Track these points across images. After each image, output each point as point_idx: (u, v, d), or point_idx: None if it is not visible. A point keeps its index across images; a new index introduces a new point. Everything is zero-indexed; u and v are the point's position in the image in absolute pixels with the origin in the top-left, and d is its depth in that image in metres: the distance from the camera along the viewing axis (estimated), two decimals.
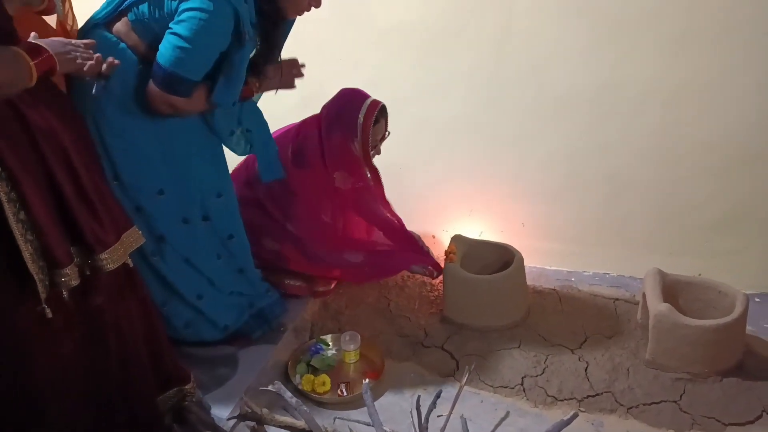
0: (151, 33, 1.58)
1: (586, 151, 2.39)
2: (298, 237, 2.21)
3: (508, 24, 2.29)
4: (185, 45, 1.50)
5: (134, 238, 1.48)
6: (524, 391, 1.94)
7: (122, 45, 1.61)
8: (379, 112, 2.13)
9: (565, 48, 2.26)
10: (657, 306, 1.94)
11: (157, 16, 1.55)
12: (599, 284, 2.48)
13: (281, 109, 2.16)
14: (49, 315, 1.28)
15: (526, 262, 2.27)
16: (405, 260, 2.34)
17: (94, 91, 1.47)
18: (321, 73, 2.56)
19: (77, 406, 1.46)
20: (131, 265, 1.47)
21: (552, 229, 2.53)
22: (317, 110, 2.29)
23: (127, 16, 1.60)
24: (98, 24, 1.63)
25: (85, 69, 1.32)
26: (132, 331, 1.52)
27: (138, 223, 1.59)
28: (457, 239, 2.37)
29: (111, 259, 1.37)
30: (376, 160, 2.21)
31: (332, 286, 2.41)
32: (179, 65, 1.52)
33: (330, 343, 2.14)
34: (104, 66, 1.39)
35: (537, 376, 1.99)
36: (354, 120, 2.11)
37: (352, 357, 2.07)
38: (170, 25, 1.52)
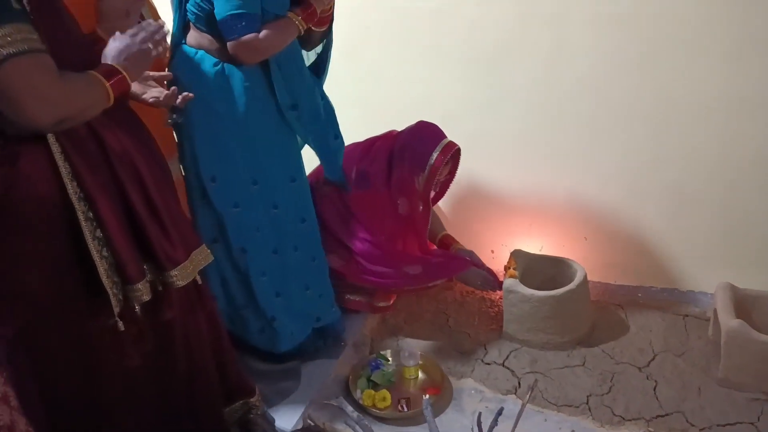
0: (211, 21, 1.68)
1: (648, 163, 2.32)
2: (357, 253, 2.23)
3: (563, 36, 2.27)
4: None
5: (203, 255, 1.52)
6: (589, 409, 1.89)
7: (200, 53, 1.72)
8: (452, 155, 2.18)
9: (623, 59, 2.21)
10: (729, 322, 1.86)
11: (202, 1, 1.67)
12: (667, 299, 2.39)
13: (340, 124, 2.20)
14: (122, 328, 1.33)
15: (589, 277, 2.22)
16: (463, 263, 2.33)
17: (169, 121, 1.55)
18: (375, 89, 2.61)
19: (146, 416, 1.51)
20: (200, 281, 1.52)
21: (616, 243, 2.47)
22: (373, 126, 2.33)
23: (189, 21, 1.72)
24: (176, 43, 1.77)
25: (161, 99, 1.40)
26: (200, 344, 1.57)
27: (232, 220, 1.78)
28: (516, 254, 2.35)
29: (180, 275, 1.41)
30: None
31: (391, 301, 2.42)
32: (229, 6, 1.62)
33: (390, 359, 2.15)
34: (179, 99, 1.47)
35: (603, 394, 1.93)
36: (426, 157, 2.16)
37: (411, 373, 2.07)
38: None
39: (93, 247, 1.27)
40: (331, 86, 2.35)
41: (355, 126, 2.41)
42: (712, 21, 2.07)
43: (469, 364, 2.12)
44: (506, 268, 2.27)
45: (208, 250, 1.54)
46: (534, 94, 2.39)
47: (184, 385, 1.56)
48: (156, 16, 1.86)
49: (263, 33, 1.69)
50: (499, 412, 1.64)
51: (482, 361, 2.13)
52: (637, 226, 2.42)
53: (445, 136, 2.21)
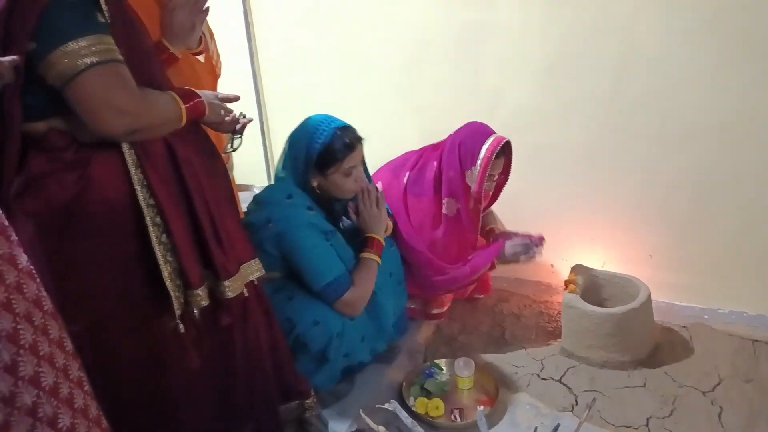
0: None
1: (718, 179, 2.23)
2: (409, 262, 2.24)
3: (631, 47, 2.21)
4: (309, 267, 1.84)
5: (252, 269, 1.56)
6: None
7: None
8: (502, 148, 2.14)
9: (693, 70, 2.13)
10: None
11: None
12: (736, 323, 2.28)
13: (402, 141, 2.22)
14: (182, 330, 1.39)
15: (653, 296, 2.15)
16: (496, 245, 2.28)
17: (230, 147, 1.61)
18: (441, 102, 2.62)
19: (208, 414, 1.56)
20: (247, 294, 1.55)
21: (682, 261, 2.38)
22: (437, 136, 2.33)
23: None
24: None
25: (223, 124, 1.47)
26: (257, 344, 1.62)
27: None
28: (577, 269, 2.30)
29: (231, 288, 1.46)
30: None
31: (445, 308, 2.42)
32: (319, 278, 1.84)
33: (444, 368, 2.15)
34: (238, 125, 1.53)
35: (664, 417, 1.87)
36: (476, 151, 2.13)
37: (466, 383, 2.06)
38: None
39: (159, 251, 1.33)
40: (395, 95, 2.39)
41: (419, 136, 2.44)
42: None
43: (525, 379, 2.09)
44: (567, 282, 2.23)
45: (260, 264, 1.59)
46: (601, 106, 2.35)
47: (243, 385, 1.60)
48: (211, 35, 1.92)
49: (356, 286, 1.88)
50: (556, 429, 1.61)
51: (538, 376, 2.10)
52: (706, 244, 2.33)
53: (494, 132, 2.17)
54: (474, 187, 2.15)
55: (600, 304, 2.15)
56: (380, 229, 2.03)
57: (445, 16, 2.51)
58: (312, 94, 2.94)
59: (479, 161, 2.12)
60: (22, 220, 1.22)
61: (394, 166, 2.34)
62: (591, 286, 2.26)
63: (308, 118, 1.94)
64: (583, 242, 2.51)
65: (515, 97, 2.47)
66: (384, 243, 2.03)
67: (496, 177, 2.23)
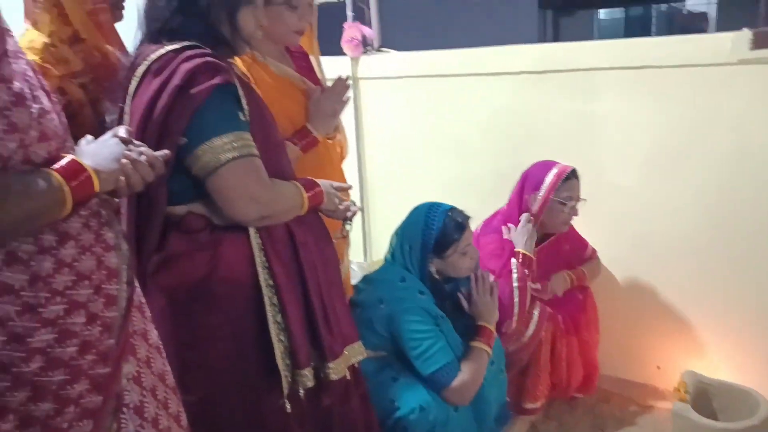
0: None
1: None
2: None
3: (744, 138, 2.14)
4: (419, 352, 1.83)
5: (356, 352, 1.59)
6: None
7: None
8: (571, 172, 2.21)
9: None
10: None
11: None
12: None
13: None
14: (289, 410, 1.42)
15: None
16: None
17: (340, 234, 1.70)
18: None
19: None
20: (349, 377, 1.57)
21: None
22: None
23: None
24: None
25: (336, 212, 1.56)
26: (354, 427, 1.62)
27: None
28: (688, 376, 2.16)
29: (335, 370, 1.49)
30: None
31: (539, 403, 2.33)
32: (429, 364, 1.83)
33: None
34: (349, 213, 1.61)
35: None
36: (542, 177, 2.22)
37: None
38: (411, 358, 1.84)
39: (273, 330, 1.39)
40: (495, 180, 2.42)
41: None
42: None
43: None
44: (676, 389, 2.10)
45: (363, 347, 1.62)
46: (712, 198, 2.26)
47: None
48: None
49: (466, 374, 1.85)
50: None
51: None
52: None
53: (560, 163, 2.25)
54: (535, 207, 2.21)
55: (711, 417, 2.00)
56: (493, 319, 2.01)
57: (548, 104, 2.53)
58: (411, 176, 3.02)
59: (543, 185, 2.20)
60: (155, 294, 1.33)
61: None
62: (701, 394, 2.11)
63: (415, 209, 2.00)
64: (695, 345, 2.37)
65: (620, 186, 2.43)
66: (495, 333, 2.01)
67: (574, 201, 2.24)
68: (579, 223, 2.38)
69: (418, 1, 6.70)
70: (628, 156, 2.40)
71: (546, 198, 2.20)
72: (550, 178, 2.21)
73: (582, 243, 2.44)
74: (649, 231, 2.39)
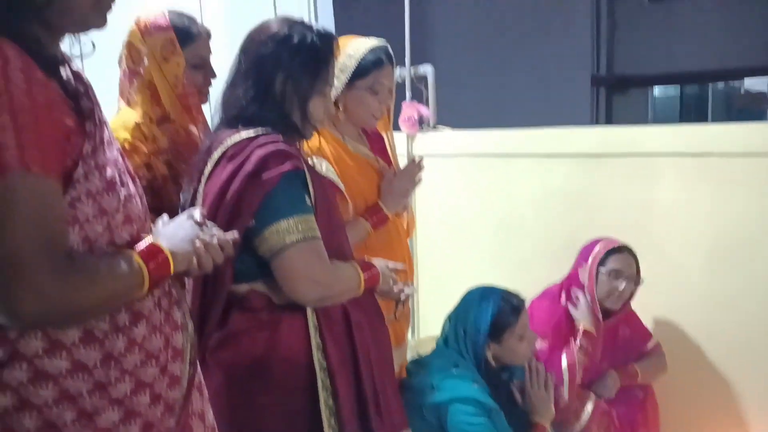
0: None
1: None
2: None
3: None
4: None
5: None
6: None
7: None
8: (621, 246, 2.20)
9: None
10: None
11: None
12: None
13: None
14: None
15: None
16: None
17: (394, 315, 1.71)
18: None
19: None
20: None
21: None
22: None
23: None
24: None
25: (390, 293, 1.58)
26: None
27: None
28: None
29: None
30: None
31: None
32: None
33: None
34: (403, 294, 1.63)
35: None
36: (590, 249, 2.22)
37: None
38: None
39: (324, 414, 1.38)
40: (550, 264, 2.39)
41: None
42: None
43: None
44: None
45: None
46: None
47: None
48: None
49: None
50: None
51: None
52: None
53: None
54: (584, 278, 2.18)
55: None
56: (548, 416, 1.94)
57: (605, 188, 2.52)
58: (462, 254, 3.01)
59: (591, 255, 2.19)
60: (214, 370, 1.35)
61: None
62: None
63: (468, 293, 1.99)
64: None
65: (679, 277, 2.37)
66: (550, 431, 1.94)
67: (625, 277, 2.17)
68: (638, 311, 2.31)
69: (472, 81, 6.88)
70: (690, 245, 2.35)
71: (593, 269, 2.17)
72: (597, 248, 2.21)
73: (644, 333, 2.35)
74: (716, 321, 2.30)
